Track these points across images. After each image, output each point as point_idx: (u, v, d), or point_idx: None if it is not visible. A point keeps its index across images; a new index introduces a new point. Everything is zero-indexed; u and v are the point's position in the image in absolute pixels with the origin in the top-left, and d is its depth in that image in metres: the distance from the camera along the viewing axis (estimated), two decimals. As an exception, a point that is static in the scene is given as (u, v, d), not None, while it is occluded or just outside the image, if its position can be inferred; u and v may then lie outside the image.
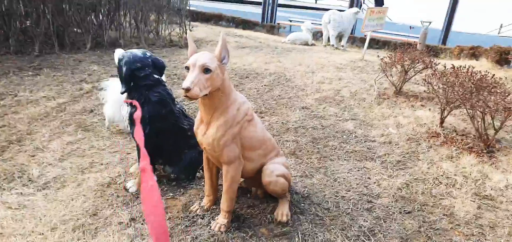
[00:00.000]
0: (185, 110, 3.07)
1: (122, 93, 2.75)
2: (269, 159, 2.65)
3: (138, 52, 2.79)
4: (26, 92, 5.38)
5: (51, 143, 3.82)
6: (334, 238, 2.46)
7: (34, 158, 3.49)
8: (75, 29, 8.96)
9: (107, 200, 2.83)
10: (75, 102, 5.03)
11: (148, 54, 2.83)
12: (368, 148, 3.73)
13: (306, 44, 12.19)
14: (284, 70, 7.22)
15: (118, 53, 2.89)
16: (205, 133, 2.39)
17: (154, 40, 9.75)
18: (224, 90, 2.29)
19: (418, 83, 6.26)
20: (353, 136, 4.02)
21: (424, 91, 5.28)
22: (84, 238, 2.44)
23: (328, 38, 11.97)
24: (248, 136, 2.45)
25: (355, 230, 2.53)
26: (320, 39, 13.11)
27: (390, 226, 2.57)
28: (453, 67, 4.06)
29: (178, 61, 7.81)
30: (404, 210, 2.73)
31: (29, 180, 3.10)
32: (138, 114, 1.44)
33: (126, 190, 2.91)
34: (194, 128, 2.52)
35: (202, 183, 3.03)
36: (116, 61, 2.89)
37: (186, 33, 10.09)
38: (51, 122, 4.37)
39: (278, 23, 17.16)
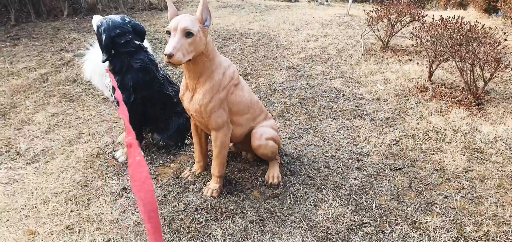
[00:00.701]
0: (169, 77, 3.01)
1: (103, 62, 2.67)
2: (258, 122, 2.64)
3: (117, 18, 2.69)
4: (5, 64, 5.22)
5: (36, 115, 3.75)
6: (326, 197, 2.51)
7: (20, 132, 3.43)
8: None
9: (97, 170, 2.82)
10: (57, 72, 4.91)
11: (128, 19, 2.73)
12: (356, 106, 3.75)
13: (289, 0, 11.99)
14: (268, 29, 7.11)
15: (96, 20, 2.78)
16: (191, 99, 2.36)
17: (133, 3, 9.46)
18: (208, 55, 2.23)
19: (405, 37, 6.25)
20: (341, 94, 4.03)
21: (412, 45, 5.27)
22: (77, 210, 2.44)
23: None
24: (235, 101, 2.43)
25: (346, 189, 2.58)
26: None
27: (381, 183, 2.62)
28: (442, 18, 4.03)
29: (159, 25, 7.62)
30: (395, 167, 2.78)
31: (17, 154, 3.06)
32: (118, 94, 1.40)
33: (115, 159, 2.90)
34: (180, 94, 2.49)
35: (192, 149, 3.03)
36: (95, 28, 2.79)
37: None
38: (34, 94, 4.27)
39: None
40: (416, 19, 5.42)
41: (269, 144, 2.58)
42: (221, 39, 6.42)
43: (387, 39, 5.68)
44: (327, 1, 11.95)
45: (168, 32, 2.09)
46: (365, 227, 2.28)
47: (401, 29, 5.59)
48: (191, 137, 3.04)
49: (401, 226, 2.26)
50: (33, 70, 4.99)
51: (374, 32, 5.66)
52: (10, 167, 2.92)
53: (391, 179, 2.68)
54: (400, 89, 4.09)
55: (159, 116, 2.90)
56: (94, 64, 3.06)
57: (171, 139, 2.97)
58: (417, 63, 4.94)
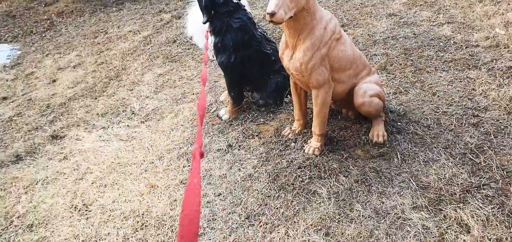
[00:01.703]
0: (266, 34, 3.03)
1: (204, 23, 2.77)
2: (361, 78, 2.55)
3: (213, -23, 2.74)
4: (114, 28, 5.73)
5: (144, 76, 4.10)
6: (437, 157, 2.37)
7: (133, 92, 3.80)
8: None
9: (203, 128, 3.01)
10: (158, 33, 5.25)
11: (224, -22, 2.77)
12: (470, 55, 3.39)
13: None
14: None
15: (193, -18, 2.87)
16: (291, 58, 2.35)
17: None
18: (308, 9, 2.18)
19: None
20: (452, 42, 3.67)
21: None
22: (189, 165, 2.67)
23: None
24: (337, 56, 2.36)
25: (460, 148, 2.41)
26: None
27: (502, 142, 2.39)
28: None
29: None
30: (519, 123, 2.50)
31: (132, 113, 3.41)
32: (202, 105, 1.37)
33: (220, 118, 3.06)
34: (279, 53, 2.49)
35: (291, 107, 3.06)
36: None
37: None
38: (140, 56, 4.64)
39: None
40: None
41: (373, 101, 2.49)
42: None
43: (507, -26, 4.94)
44: None
45: (269, -11, 2.08)
46: (484, 189, 2.12)
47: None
48: (290, 95, 3.06)
49: (529, 190, 2.05)
50: (138, 33, 5.40)
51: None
52: (128, 125, 3.27)
53: (515, 137, 2.42)
54: (525, 32, 3.58)
55: (258, 75, 2.96)
56: (195, 23, 3.19)
57: (270, 97, 3.02)
58: (547, -1, 4.24)
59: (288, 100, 3.10)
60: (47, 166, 2.93)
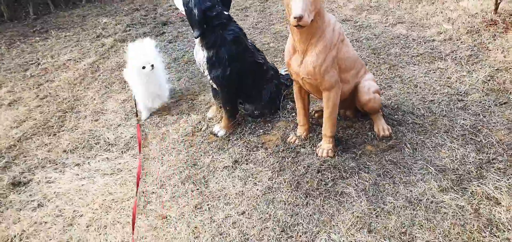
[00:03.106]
0: (255, 45, 3.01)
1: (196, 37, 2.67)
2: (360, 77, 2.66)
3: (205, -10, 2.66)
4: (47, 58, 5.22)
5: (105, 104, 3.78)
6: (442, 141, 2.54)
7: (99, 122, 3.47)
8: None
9: (200, 148, 2.86)
10: (104, 59, 4.91)
11: (214, -11, 2.70)
12: (431, 49, 3.73)
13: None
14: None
15: (179, -5, 2.76)
16: (302, 62, 2.36)
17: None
18: (320, 13, 2.22)
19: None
20: (410, 39, 4.00)
21: None
22: (197, 188, 2.51)
23: None
24: (343, 57, 2.44)
25: (458, 130, 2.61)
26: None
27: (492, 120, 2.65)
28: None
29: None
30: (499, 102, 2.80)
31: (109, 144, 3.11)
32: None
33: (215, 134, 2.93)
34: (286, 59, 2.49)
35: (287, 115, 3.05)
36: (179, 4, 2.77)
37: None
38: (91, 84, 4.29)
39: None
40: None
41: (376, 97, 2.60)
42: (258, 2, 6.33)
43: (432, -23, 5.56)
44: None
45: (289, -7, 2.07)
46: (494, 162, 2.32)
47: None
48: (280, 102, 3.06)
49: (533, 157, 2.30)
50: (79, 60, 4.98)
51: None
52: (107, 158, 2.97)
53: (500, 113, 2.71)
54: (468, 26, 4.05)
55: (252, 86, 2.91)
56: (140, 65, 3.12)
57: (266, 107, 3.00)
58: (472, -3, 4.85)
59: (286, 108, 3.09)
60: (19, 218, 2.53)
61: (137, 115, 3.24)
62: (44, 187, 2.76)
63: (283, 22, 5.17)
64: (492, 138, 2.51)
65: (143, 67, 3.05)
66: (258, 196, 2.38)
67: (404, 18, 4.60)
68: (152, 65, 3.07)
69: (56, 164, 3.00)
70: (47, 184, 2.80)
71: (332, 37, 2.32)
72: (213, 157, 2.76)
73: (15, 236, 2.39)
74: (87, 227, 2.37)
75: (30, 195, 2.72)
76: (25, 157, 3.18)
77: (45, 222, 2.47)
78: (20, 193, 2.76)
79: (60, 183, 2.78)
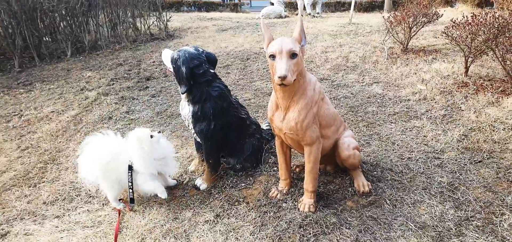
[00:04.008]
0: (238, 100, 3.06)
1: (183, 93, 2.71)
2: (340, 133, 2.71)
3: (191, 49, 2.75)
4: (31, 110, 5.16)
5: (86, 156, 3.70)
6: (421, 198, 2.57)
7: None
8: (48, 38, 8.56)
9: (181, 202, 2.81)
10: (88, 112, 4.88)
11: (200, 49, 2.79)
12: (407, 108, 3.86)
13: (280, 17, 12.34)
14: (283, 46, 7.23)
15: (167, 53, 2.83)
16: (284, 118, 2.41)
17: (135, 36, 9.47)
18: (301, 73, 2.30)
19: (423, 37, 6.47)
20: (387, 98, 4.14)
21: (446, 43, 5.44)
22: (178, 243, 2.43)
23: (304, 6, 12.13)
24: (323, 114, 2.50)
25: (436, 187, 2.65)
26: (291, 11, 13.34)
27: (468, 177, 2.71)
28: (474, 15, 4.21)
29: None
30: (474, 160, 2.88)
31: (90, 197, 3.02)
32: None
33: (197, 188, 2.90)
34: (269, 114, 2.54)
35: (268, 169, 3.05)
36: (167, 62, 2.83)
37: (165, 24, 9.84)
38: (74, 136, 4.23)
39: (240, 0, 17.50)
40: (432, 20, 5.65)
41: (356, 153, 2.65)
42: (239, 61, 6.50)
43: (406, 42, 5.87)
44: (318, 13, 12.23)
45: (272, 56, 2.16)
46: (472, 220, 2.34)
47: (418, 30, 5.79)
48: (261, 157, 3.07)
49: (508, 215, 2.33)
50: (62, 112, 4.94)
51: (393, 36, 5.85)
52: (88, 210, 2.88)
53: (475, 172, 2.77)
54: (442, 87, 4.23)
55: (235, 140, 2.93)
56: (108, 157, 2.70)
57: (247, 160, 3.00)
58: (444, 61, 5.11)
59: (268, 162, 3.09)
60: (-7, 273, 2.39)
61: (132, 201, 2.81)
62: (22, 240, 2.63)
63: (263, 80, 5.30)
64: (469, 196, 2.55)
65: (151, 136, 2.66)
66: (240, 251, 2.32)
67: (380, 78, 4.78)
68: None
69: (36, 216, 2.89)
70: (25, 237, 2.67)
71: (313, 95, 2.39)
72: (194, 210, 2.71)
73: None
74: (62, 283, 2.25)
75: (6, 249, 2.59)
76: (4, 208, 3.05)
77: (19, 278, 2.33)
78: (-6, 247, 2.62)
79: (39, 234, 2.66)
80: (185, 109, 2.79)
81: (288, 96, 2.34)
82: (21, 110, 5.23)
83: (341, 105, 4.07)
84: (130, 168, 2.68)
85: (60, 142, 4.12)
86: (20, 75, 7.13)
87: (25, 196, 3.17)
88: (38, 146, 4.07)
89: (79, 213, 2.84)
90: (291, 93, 2.33)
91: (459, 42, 4.31)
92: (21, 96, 5.90)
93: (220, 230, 2.50)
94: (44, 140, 4.21)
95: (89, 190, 3.10)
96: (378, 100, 4.12)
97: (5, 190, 3.29)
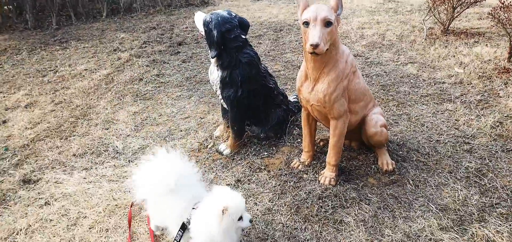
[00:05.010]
0: (268, 69, 3.10)
1: (213, 57, 2.77)
2: (369, 110, 2.71)
3: (224, 13, 2.79)
4: (65, 67, 5.40)
5: (116, 114, 3.89)
6: (445, 181, 2.56)
7: (109, 131, 3.57)
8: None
9: (204, 164, 2.92)
10: (119, 72, 5.06)
11: (233, 14, 2.83)
12: (441, 90, 3.78)
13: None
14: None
15: (200, 16, 2.88)
16: (313, 89, 2.43)
17: (170, 1, 9.57)
18: (335, 43, 2.31)
19: (467, 19, 6.23)
20: (421, 79, 4.07)
21: (492, 26, 5.24)
22: (199, 203, 2.55)
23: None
24: (354, 88, 2.50)
25: (463, 172, 2.63)
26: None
27: (498, 165, 2.67)
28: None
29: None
30: (507, 148, 2.82)
31: (117, 153, 3.19)
32: None
33: (220, 153, 3.00)
34: (297, 84, 2.57)
35: (292, 141, 3.11)
36: (199, 25, 2.89)
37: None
38: (105, 94, 4.41)
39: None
40: (479, 0, 5.41)
41: (383, 131, 2.65)
42: (272, 31, 6.49)
43: (447, 23, 5.67)
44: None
45: (306, 23, 2.17)
46: (497, 208, 2.33)
47: (462, 11, 5.57)
48: (286, 128, 3.12)
49: (535, 205, 2.30)
50: (95, 71, 5.14)
51: (435, 16, 5.66)
52: (114, 165, 3.05)
53: (506, 160, 2.72)
54: (480, 72, 4.11)
55: (261, 109, 2.99)
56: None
57: (272, 130, 3.06)
58: (486, 45, 4.93)
59: (292, 133, 3.15)
60: (26, 213, 2.60)
61: None
62: (52, 187, 2.84)
63: (295, 52, 5.30)
64: (497, 183, 2.52)
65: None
66: (258, 216, 2.41)
67: (416, 58, 4.68)
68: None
69: (65, 166, 3.09)
70: (55, 184, 2.88)
71: (344, 68, 2.39)
72: (217, 174, 2.82)
73: (21, 230, 2.45)
74: (90, 228, 2.42)
75: (39, 193, 2.80)
76: (37, 156, 3.28)
77: (51, 220, 2.53)
78: (29, 190, 2.84)
79: (68, 184, 2.85)
80: (214, 74, 2.86)
81: (319, 67, 2.36)
82: (56, 67, 5.49)
83: (373, 83, 4.04)
84: (183, 226, 1.94)
85: (91, 99, 4.33)
86: (57, 32, 7.43)
87: (56, 147, 3.38)
88: (71, 102, 4.29)
89: (105, 167, 3.01)
90: (322, 64, 2.34)
91: (506, 25, 4.14)
92: (57, 53, 6.17)
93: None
94: (76, 96, 4.42)
95: (117, 147, 3.27)
96: (412, 80, 4.06)
97: (39, 140, 3.52)
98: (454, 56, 4.68)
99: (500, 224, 2.20)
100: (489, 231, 2.15)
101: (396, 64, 4.55)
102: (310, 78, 2.44)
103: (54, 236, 2.38)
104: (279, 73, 4.55)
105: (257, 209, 2.46)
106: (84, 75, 5.04)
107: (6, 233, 2.44)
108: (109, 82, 4.76)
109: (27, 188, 2.87)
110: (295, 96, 3.49)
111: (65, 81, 4.91)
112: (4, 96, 4.66)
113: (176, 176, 1.92)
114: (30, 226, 2.48)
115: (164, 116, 3.76)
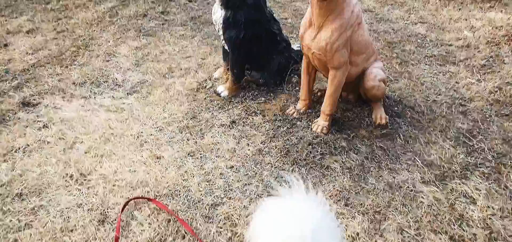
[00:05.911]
0: (273, 15, 3.15)
1: (218, -4, 2.83)
2: (370, 63, 2.78)
3: (230, -49, 2.81)
4: (70, -5, 5.42)
5: (118, 48, 3.99)
6: (435, 139, 2.69)
7: (110, 63, 3.69)
8: None
9: (201, 104, 3.06)
10: (124, 6, 5.11)
11: (240, -48, 2.85)
12: (446, 52, 3.83)
13: None
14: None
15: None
16: (315, 37, 2.50)
17: None
18: None
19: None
20: (428, 40, 4.10)
21: None
22: (193, 138, 2.71)
23: None
24: (357, 40, 2.57)
25: (454, 132, 2.75)
26: None
27: (489, 128, 2.78)
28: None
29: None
30: (501, 113, 2.92)
31: (116, 85, 3.33)
32: None
33: (218, 94, 3.12)
34: (301, 31, 2.64)
35: (290, 88, 3.22)
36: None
37: None
38: (108, 27, 4.50)
39: None
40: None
41: (381, 85, 2.74)
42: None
43: (466, -16, 5.59)
44: None
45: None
46: (480, 167, 2.46)
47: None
48: (286, 76, 3.22)
49: (518, 169, 2.43)
50: (99, 3, 5.19)
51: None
52: (113, 96, 3.19)
53: (499, 124, 2.83)
54: (490, 37, 4.13)
55: (262, 54, 3.07)
56: None
57: (272, 77, 3.16)
58: (501, 11, 4.90)
59: (291, 81, 3.25)
60: (25, 134, 2.77)
61: None
62: (51, 111, 3.00)
63: (304, 1, 5.29)
64: (484, 144, 2.64)
65: None
66: (248, 155, 2.57)
67: (427, 18, 4.68)
68: None
69: (65, 93, 3.24)
70: (54, 109, 3.04)
71: (350, 18, 2.45)
72: (213, 114, 2.96)
73: (19, 148, 2.64)
74: (85, 153, 2.60)
75: (37, 116, 2.97)
76: (37, 81, 3.42)
77: (48, 142, 2.71)
78: (28, 112, 3.01)
79: (66, 110, 3.01)
80: (217, 13, 2.92)
81: (324, 14, 2.41)
82: (61, -6, 5.52)
83: (379, 39, 4.09)
84: None
85: (94, 30, 4.42)
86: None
87: (57, 74, 3.51)
88: (73, 31, 4.38)
89: (104, 98, 3.16)
90: (327, 11, 2.40)
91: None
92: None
93: (233, 135, 2.75)
94: (79, 26, 4.51)
95: (116, 79, 3.40)
96: (419, 40, 4.10)
97: (39, 65, 3.65)
98: (466, 19, 4.67)
99: (480, 183, 2.34)
100: (469, 187, 2.30)
101: (406, 23, 4.56)
102: (314, 25, 2.51)
103: (52, 157, 2.56)
104: (285, 21, 4.59)
105: (249, 149, 2.61)
106: (88, 6, 5.10)
107: (5, 150, 2.62)
108: (113, 16, 4.82)
109: (26, 110, 3.03)
110: (298, 46, 3.56)
111: (69, 11, 4.98)
112: (6, 20, 4.75)
113: (313, 231, 1.21)
114: (28, 145, 2.66)
115: (165, 54, 3.86)
